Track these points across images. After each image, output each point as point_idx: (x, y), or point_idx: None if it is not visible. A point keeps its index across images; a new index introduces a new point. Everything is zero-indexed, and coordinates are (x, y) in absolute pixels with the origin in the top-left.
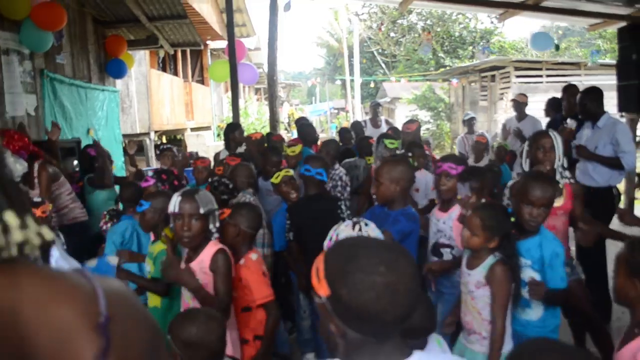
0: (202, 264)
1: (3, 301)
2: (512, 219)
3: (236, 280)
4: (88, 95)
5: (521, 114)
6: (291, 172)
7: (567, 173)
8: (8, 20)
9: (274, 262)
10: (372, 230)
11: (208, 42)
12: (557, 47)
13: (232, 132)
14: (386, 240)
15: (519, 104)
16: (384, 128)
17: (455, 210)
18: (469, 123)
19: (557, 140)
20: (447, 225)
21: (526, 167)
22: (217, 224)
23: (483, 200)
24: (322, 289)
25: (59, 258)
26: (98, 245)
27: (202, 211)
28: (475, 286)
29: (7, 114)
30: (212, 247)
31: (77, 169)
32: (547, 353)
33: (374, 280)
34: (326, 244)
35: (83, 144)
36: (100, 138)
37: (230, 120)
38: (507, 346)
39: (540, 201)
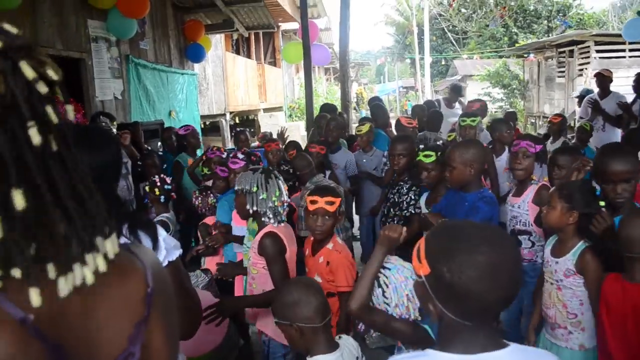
0: (255, 243)
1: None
2: (602, 203)
3: (322, 266)
4: (169, 78)
5: (605, 91)
6: None
7: None
8: (96, 10)
9: None
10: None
11: (280, 24)
12: None
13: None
14: (490, 224)
15: (604, 79)
16: (457, 107)
17: (530, 192)
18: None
19: None
20: (522, 209)
21: None
22: (254, 207)
23: None
24: (422, 268)
25: (166, 237)
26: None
27: (237, 188)
28: (564, 274)
29: (97, 98)
30: (262, 231)
31: (161, 150)
32: None
33: (477, 259)
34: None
35: (166, 126)
36: (181, 120)
37: (302, 101)
38: (593, 341)
39: (620, 175)
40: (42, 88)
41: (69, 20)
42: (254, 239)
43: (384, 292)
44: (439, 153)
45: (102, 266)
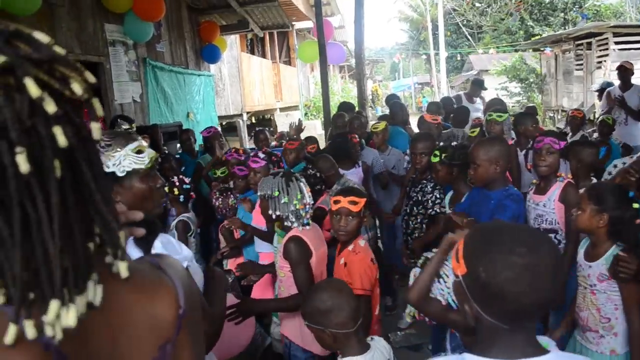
0: (281, 246)
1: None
2: (636, 205)
3: (341, 267)
4: (186, 80)
5: (627, 84)
6: None
7: None
8: (113, 14)
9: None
10: None
11: (294, 23)
12: None
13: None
14: (529, 226)
15: (626, 72)
16: (479, 103)
17: (556, 190)
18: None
19: None
20: (548, 208)
21: None
22: (277, 212)
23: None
24: (459, 268)
25: (160, 248)
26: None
27: (259, 193)
28: (598, 279)
29: (116, 101)
30: (287, 235)
31: (180, 151)
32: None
33: (513, 260)
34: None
35: (184, 127)
36: (199, 121)
37: (319, 100)
38: (625, 347)
39: None
40: (50, 107)
41: (87, 24)
42: (281, 242)
43: (445, 282)
44: (444, 154)
45: (98, 300)
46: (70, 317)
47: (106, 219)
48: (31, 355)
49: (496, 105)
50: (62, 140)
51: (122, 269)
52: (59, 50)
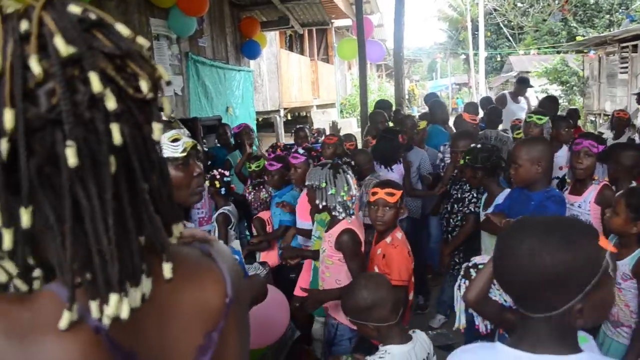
0: (330, 237)
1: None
2: None
3: (379, 257)
4: (226, 75)
5: None
6: None
7: None
8: (158, 8)
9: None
10: None
11: (333, 20)
12: None
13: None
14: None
15: None
16: (523, 102)
17: (592, 191)
18: None
19: None
20: (583, 209)
21: None
22: (324, 202)
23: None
24: None
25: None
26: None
27: (307, 183)
28: (622, 278)
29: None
30: (340, 226)
31: (218, 145)
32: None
33: (513, 235)
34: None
35: (222, 122)
36: (238, 116)
37: (354, 97)
38: None
39: None
40: (110, 104)
41: (133, 18)
42: (329, 232)
43: (495, 284)
44: (467, 157)
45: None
46: (124, 310)
47: (153, 219)
48: (82, 338)
49: (547, 104)
50: (117, 138)
51: (166, 270)
52: (142, 42)
